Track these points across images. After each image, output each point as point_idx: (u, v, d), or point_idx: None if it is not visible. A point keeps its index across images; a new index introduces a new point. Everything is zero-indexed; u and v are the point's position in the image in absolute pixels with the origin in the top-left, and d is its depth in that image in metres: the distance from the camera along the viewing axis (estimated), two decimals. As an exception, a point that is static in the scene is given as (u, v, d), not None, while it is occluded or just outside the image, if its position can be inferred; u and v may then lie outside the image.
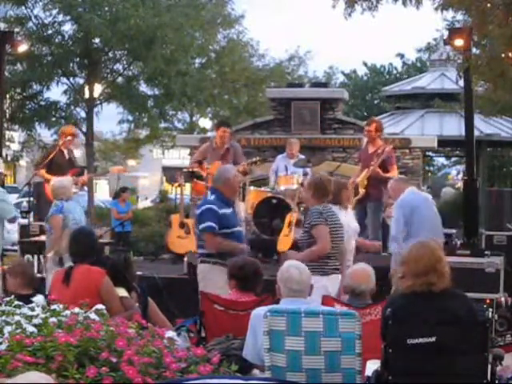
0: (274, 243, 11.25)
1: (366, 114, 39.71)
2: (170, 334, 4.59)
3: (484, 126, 22.72)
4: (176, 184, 12.85)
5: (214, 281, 7.24)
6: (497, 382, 4.85)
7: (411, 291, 4.62)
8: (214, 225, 7.37)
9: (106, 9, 20.68)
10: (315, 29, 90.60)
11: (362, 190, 10.79)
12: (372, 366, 4.83)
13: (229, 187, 7.64)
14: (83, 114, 21.95)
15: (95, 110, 21.76)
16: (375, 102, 44.14)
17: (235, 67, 27.08)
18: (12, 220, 9.25)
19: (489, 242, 11.24)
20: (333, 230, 7.33)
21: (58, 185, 9.09)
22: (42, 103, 21.58)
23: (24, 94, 21.34)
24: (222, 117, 29.83)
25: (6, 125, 18.97)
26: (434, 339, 4.47)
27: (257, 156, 11.64)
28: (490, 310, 8.28)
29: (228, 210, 7.56)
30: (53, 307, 4.69)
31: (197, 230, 7.71)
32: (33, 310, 4.66)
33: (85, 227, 7.79)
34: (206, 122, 31.20)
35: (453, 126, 23.11)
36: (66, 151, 11.59)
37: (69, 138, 11.63)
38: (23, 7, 20.61)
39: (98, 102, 21.89)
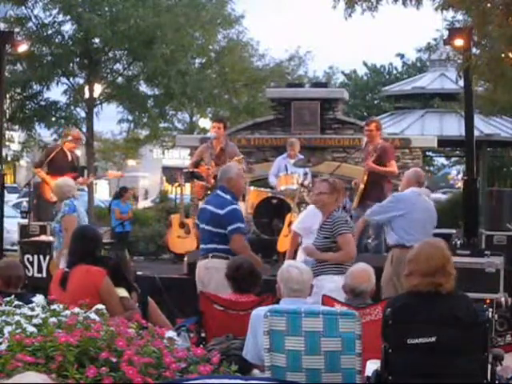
0: (273, 243, 11.26)
1: (366, 114, 39.71)
2: (170, 334, 4.59)
3: (484, 126, 22.71)
4: (176, 184, 12.87)
5: None
6: (497, 382, 4.85)
7: (416, 290, 4.61)
8: (243, 226, 7.45)
9: (106, 9, 20.68)
10: (315, 29, 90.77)
11: (361, 186, 10.76)
12: (372, 365, 4.82)
13: (233, 186, 7.59)
14: (83, 114, 21.96)
15: (95, 110, 21.77)
16: (375, 102, 44.14)
17: (235, 67, 27.08)
18: None
19: (489, 241, 11.22)
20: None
21: (63, 183, 9.00)
22: (42, 103, 21.59)
23: (24, 94, 21.34)
24: (222, 116, 29.85)
25: (6, 125, 18.97)
26: (434, 339, 4.47)
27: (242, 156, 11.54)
28: (490, 309, 8.28)
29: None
30: (53, 307, 4.69)
31: (209, 227, 7.55)
32: (33, 309, 4.66)
33: (88, 226, 7.75)
34: (205, 122, 31.21)
35: (453, 126, 23.10)
36: (69, 153, 11.61)
37: (71, 139, 11.71)
38: (23, 7, 20.62)
39: (98, 102, 21.90)
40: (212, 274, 7.42)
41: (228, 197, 7.52)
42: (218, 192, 7.71)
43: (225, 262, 7.31)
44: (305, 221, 8.31)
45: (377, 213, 8.73)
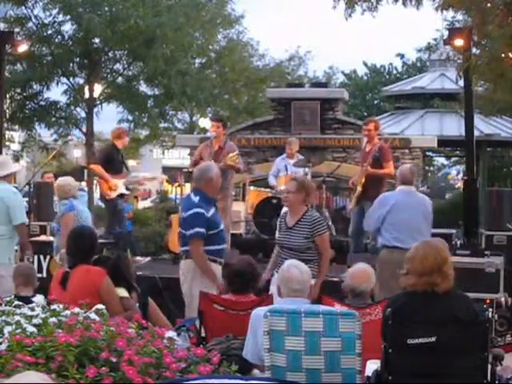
0: (273, 243, 11.23)
1: (365, 114, 39.66)
2: (170, 334, 4.59)
3: (484, 126, 22.70)
4: (176, 184, 12.87)
5: (202, 278, 7.26)
6: (497, 382, 4.85)
7: (413, 290, 4.62)
8: (202, 231, 7.29)
9: (106, 9, 20.65)
10: (315, 29, 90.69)
11: (359, 188, 10.80)
12: (372, 365, 4.83)
13: (211, 187, 7.53)
14: (83, 114, 21.93)
15: (95, 110, 21.75)
16: (375, 102, 44.11)
17: (235, 67, 27.06)
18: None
19: (489, 241, 11.23)
20: None
21: (65, 183, 8.96)
22: (42, 103, 21.56)
23: (24, 94, 21.32)
24: (222, 116, 29.84)
25: (6, 125, 18.96)
26: (434, 339, 4.47)
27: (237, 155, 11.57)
28: (490, 310, 8.28)
29: (213, 211, 7.50)
30: (53, 307, 4.70)
31: (182, 230, 7.57)
32: (33, 309, 4.66)
33: (85, 226, 7.74)
34: (205, 122, 31.19)
35: (453, 126, 23.10)
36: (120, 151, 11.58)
37: (126, 138, 11.61)
38: (23, 7, 20.59)
39: (98, 102, 21.88)
40: (186, 275, 7.43)
41: (196, 199, 7.43)
42: (190, 194, 7.71)
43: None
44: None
45: (369, 221, 8.72)
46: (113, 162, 11.17)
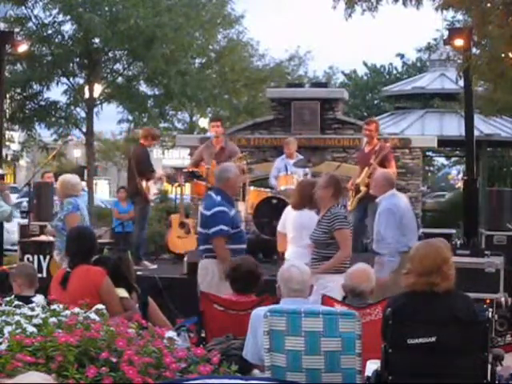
0: (273, 243, 11.23)
1: (365, 114, 39.67)
2: (170, 334, 4.59)
3: (484, 126, 22.70)
4: (176, 184, 12.87)
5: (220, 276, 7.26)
6: (497, 382, 4.85)
7: (412, 290, 4.62)
8: (226, 229, 7.41)
9: (106, 9, 20.67)
10: (315, 29, 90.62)
11: (363, 188, 10.81)
12: (372, 365, 4.82)
13: (230, 186, 7.69)
14: (83, 114, 21.93)
15: (95, 110, 21.75)
16: (375, 102, 44.13)
17: (235, 67, 27.08)
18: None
19: (489, 241, 11.24)
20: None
21: (68, 180, 8.76)
22: (42, 103, 21.57)
23: (24, 94, 21.33)
24: (222, 116, 29.91)
25: (6, 125, 18.96)
26: (434, 339, 4.47)
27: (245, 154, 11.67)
28: (490, 309, 8.28)
29: (234, 210, 7.68)
30: (53, 307, 4.70)
31: (200, 229, 7.68)
32: (33, 309, 4.66)
33: (84, 227, 7.72)
34: (205, 122, 31.19)
35: (453, 126, 23.10)
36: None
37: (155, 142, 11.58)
38: (23, 7, 20.61)
39: (98, 102, 21.87)
40: (205, 274, 7.49)
41: (218, 198, 7.56)
42: (210, 193, 7.85)
43: (215, 262, 7.38)
44: (282, 219, 8.63)
45: (395, 241, 7.90)
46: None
